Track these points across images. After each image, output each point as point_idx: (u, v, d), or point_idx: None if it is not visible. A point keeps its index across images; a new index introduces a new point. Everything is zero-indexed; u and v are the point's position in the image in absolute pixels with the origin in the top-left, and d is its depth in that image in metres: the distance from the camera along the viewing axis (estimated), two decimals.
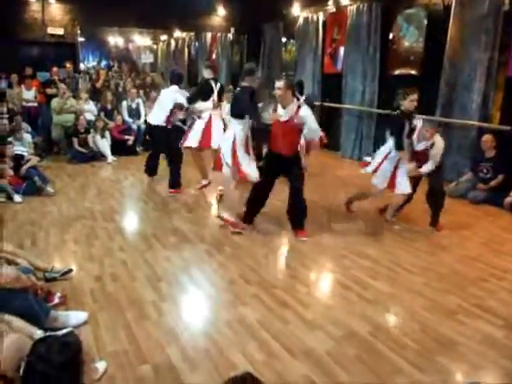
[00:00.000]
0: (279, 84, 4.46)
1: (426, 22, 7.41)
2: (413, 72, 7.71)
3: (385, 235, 4.98)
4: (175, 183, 6.45)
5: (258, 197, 4.92)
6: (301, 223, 4.81)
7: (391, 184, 4.96)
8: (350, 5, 8.76)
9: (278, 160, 4.69)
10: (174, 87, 6.45)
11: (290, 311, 3.36)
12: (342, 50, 9.17)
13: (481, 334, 3.14)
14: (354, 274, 4.01)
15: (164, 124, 6.38)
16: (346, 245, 4.65)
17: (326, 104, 9.67)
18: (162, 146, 6.64)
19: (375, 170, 5.04)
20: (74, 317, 3.11)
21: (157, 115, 6.47)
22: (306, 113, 4.54)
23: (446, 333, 3.13)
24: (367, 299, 3.57)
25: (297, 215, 4.82)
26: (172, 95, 6.37)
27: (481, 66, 6.48)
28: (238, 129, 4.74)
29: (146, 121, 9.35)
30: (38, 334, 2.55)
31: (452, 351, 2.93)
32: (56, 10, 10.53)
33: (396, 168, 4.91)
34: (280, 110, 4.59)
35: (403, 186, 4.90)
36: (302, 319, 3.25)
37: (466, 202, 6.15)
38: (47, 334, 2.27)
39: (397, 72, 8.06)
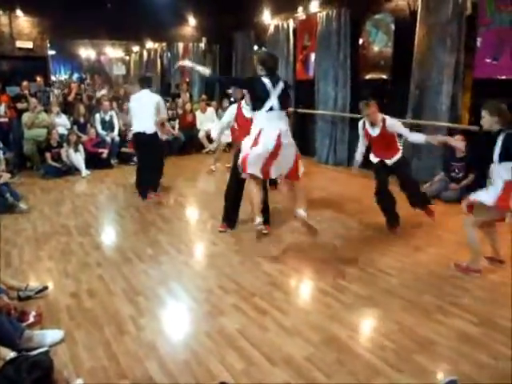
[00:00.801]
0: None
1: (393, 26, 7.56)
2: (383, 76, 7.85)
3: (358, 238, 5.03)
4: (157, 188, 6.60)
5: None
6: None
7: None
8: (320, 12, 8.87)
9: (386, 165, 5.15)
10: (146, 91, 6.43)
11: (269, 319, 3.36)
12: (313, 56, 9.27)
13: (457, 332, 3.19)
14: (331, 278, 4.03)
15: (153, 131, 6.36)
16: (323, 249, 4.68)
17: (300, 110, 9.75)
18: (151, 154, 6.51)
19: None
20: (50, 335, 3.06)
21: (144, 122, 6.37)
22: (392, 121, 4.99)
23: (424, 332, 3.17)
24: (345, 303, 3.60)
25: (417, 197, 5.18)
26: (153, 98, 6.40)
27: (448, 69, 6.63)
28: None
29: (120, 133, 9.35)
30: (11, 355, 2.50)
31: (430, 351, 2.98)
32: (24, 23, 10.40)
33: None
34: (369, 127, 5.09)
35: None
36: (280, 326, 3.26)
37: (440, 201, 6.25)
38: (13, 355, 2.22)
39: (368, 76, 8.19)
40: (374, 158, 5.28)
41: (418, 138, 4.96)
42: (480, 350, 2.97)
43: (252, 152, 4.09)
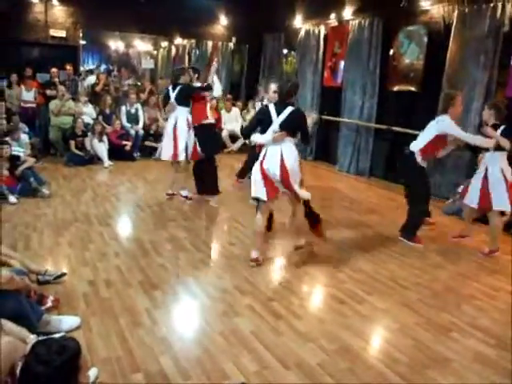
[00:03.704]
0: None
1: (426, 39, 7.48)
2: (412, 89, 7.77)
3: (379, 250, 4.99)
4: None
5: None
6: None
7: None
8: (352, 19, 8.84)
9: None
10: None
11: (284, 323, 3.35)
12: (342, 63, 9.24)
13: (473, 351, 3.14)
14: (349, 288, 4.01)
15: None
16: (340, 258, 4.65)
17: (325, 117, 9.72)
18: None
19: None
20: (67, 321, 3.09)
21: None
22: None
23: (439, 349, 3.13)
24: (361, 314, 3.57)
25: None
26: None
27: (480, 86, 6.55)
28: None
29: (144, 126, 9.41)
30: (31, 338, 2.53)
31: (444, 367, 2.94)
32: (59, 13, 10.54)
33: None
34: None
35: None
36: (295, 331, 3.25)
37: (461, 219, 6.17)
38: (42, 337, 2.25)
39: (396, 88, 8.12)
40: (423, 162, 4.99)
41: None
42: (495, 371, 2.92)
43: (254, 174, 4.25)
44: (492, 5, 6.34)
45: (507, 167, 4.77)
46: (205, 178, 6.32)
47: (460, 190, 6.25)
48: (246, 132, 4.59)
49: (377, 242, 5.23)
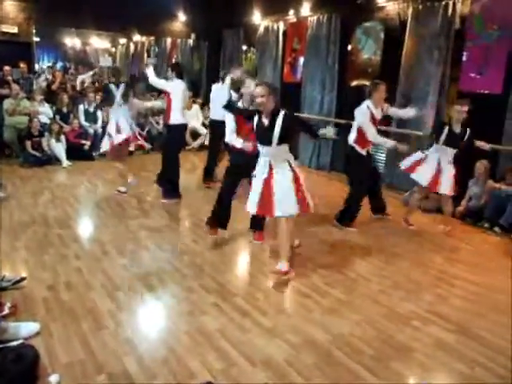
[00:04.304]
0: None
1: (383, 35, 7.64)
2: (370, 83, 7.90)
3: (341, 244, 5.07)
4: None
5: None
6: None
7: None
8: (311, 16, 8.92)
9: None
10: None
11: (250, 319, 3.35)
12: (301, 59, 9.31)
13: (434, 339, 3.23)
14: (313, 281, 4.05)
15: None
16: (303, 253, 4.69)
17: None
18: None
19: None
20: (25, 328, 2.99)
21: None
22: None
23: (402, 339, 3.21)
24: (325, 307, 3.61)
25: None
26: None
27: (434, 80, 6.74)
28: None
29: (103, 125, 9.21)
30: None
31: (407, 357, 3.01)
32: (10, 7, 10.18)
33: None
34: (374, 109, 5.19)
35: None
36: (261, 327, 3.26)
37: (419, 210, 6.34)
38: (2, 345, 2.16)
39: (355, 83, 8.26)
40: (362, 150, 5.29)
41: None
42: (455, 357, 3.02)
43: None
44: (444, 3, 6.53)
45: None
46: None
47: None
48: (232, 109, 4.44)
49: (338, 235, 5.31)
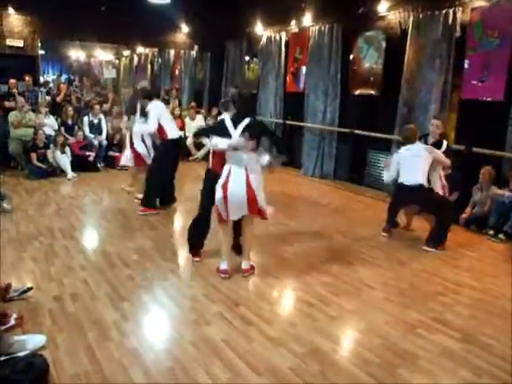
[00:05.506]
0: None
1: (384, 44, 7.69)
2: (372, 92, 7.96)
3: (345, 252, 5.07)
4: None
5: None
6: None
7: None
8: (312, 25, 8.99)
9: None
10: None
11: (254, 329, 3.36)
12: (304, 69, 9.38)
13: (439, 346, 3.23)
14: (317, 290, 4.05)
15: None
16: (307, 261, 4.70)
17: (288, 122, 9.83)
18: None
19: None
20: (31, 341, 2.96)
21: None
22: None
23: (407, 347, 3.21)
24: (330, 315, 3.62)
25: None
26: None
27: (436, 88, 6.76)
28: None
29: (107, 137, 9.28)
30: None
31: (412, 364, 3.01)
32: (15, 21, 10.32)
33: None
34: None
35: None
36: (265, 337, 3.26)
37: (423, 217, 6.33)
38: (3, 358, 2.17)
39: (357, 92, 8.30)
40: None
41: None
42: (461, 364, 3.02)
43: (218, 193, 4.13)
44: (444, 11, 6.57)
45: None
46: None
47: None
48: (199, 134, 4.77)
49: (342, 244, 5.32)
